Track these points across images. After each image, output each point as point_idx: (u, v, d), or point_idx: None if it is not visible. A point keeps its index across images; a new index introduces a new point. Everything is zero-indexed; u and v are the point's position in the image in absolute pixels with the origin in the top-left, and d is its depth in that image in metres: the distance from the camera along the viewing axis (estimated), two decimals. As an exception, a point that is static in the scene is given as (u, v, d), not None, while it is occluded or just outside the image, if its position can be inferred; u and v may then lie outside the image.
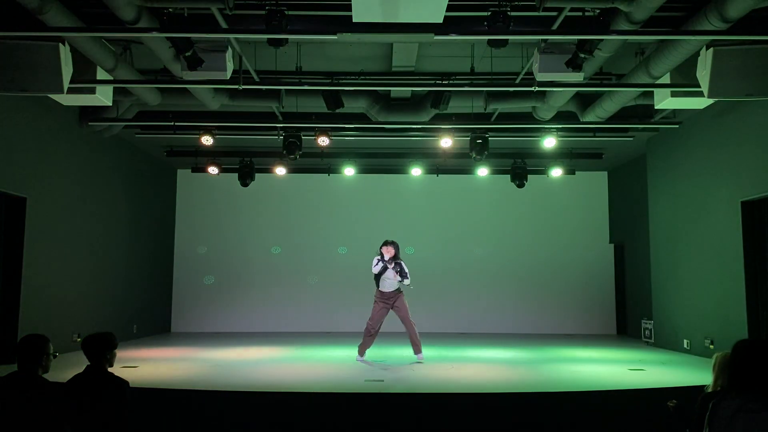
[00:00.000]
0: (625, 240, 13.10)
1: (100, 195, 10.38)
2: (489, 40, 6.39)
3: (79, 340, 9.08)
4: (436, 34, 6.16)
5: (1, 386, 3.24)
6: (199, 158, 11.93)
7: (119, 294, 11.02)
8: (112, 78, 7.44)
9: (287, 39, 6.48)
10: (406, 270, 8.37)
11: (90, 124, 9.55)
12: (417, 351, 8.35)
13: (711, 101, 7.56)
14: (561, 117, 9.51)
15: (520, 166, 11.80)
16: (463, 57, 7.86)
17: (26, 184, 8.28)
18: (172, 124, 9.73)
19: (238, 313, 13.46)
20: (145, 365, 7.83)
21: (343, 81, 8.29)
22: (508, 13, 5.76)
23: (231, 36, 6.53)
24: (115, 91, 8.14)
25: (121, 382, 3.64)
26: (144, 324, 11.97)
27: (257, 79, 7.91)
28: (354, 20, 5.85)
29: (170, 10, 5.86)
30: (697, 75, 6.72)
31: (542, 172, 12.43)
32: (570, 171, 12.77)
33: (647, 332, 10.99)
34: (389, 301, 8.34)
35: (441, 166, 12.67)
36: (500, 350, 9.94)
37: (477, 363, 8.47)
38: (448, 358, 8.76)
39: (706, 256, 9.23)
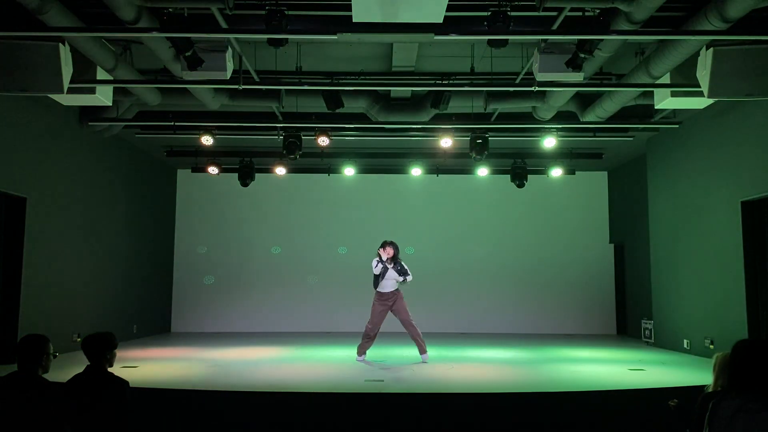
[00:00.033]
0: (625, 240, 13.10)
1: (100, 195, 10.39)
2: (489, 40, 6.39)
3: (79, 340, 9.08)
4: (436, 34, 6.17)
5: (1, 386, 3.24)
6: (199, 158, 11.93)
7: (119, 294, 11.02)
8: (112, 78, 7.44)
9: (287, 39, 6.49)
10: (407, 267, 8.39)
11: (90, 124, 9.56)
12: (422, 351, 8.34)
13: (711, 101, 7.56)
14: (561, 117, 9.51)
15: (520, 166, 11.80)
16: (463, 57, 7.86)
17: (26, 184, 8.28)
18: (172, 124, 9.74)
19: (238, 313, 13.46)
20: (145, 365, 7.83)
21: (343, 81, 8.29)
22: (508, 13, 5.76)
23: (231, 36, 6.53)
24: (115, 91, 8.14)
25: (121, 382, 3.64)
26: (144, 324, 11.98)
27: (257, 79, 7.91)
28: (354, 20, 5.85)
29: (170, 10, 5.86)
30: (697, 75, 6.72)
31: (542, 172, 12.43)
32: (570, 171, 12.77)
33: (647, 332, 10.99)
34: (388, 301, 8.32)
35: (441, 166, 12.67)
36: (500, 350, 9.94)
37: (477, 363, 8.47)
38: (448, 358, 8.76)
39: (706, 256, 9.23)
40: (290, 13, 5.93)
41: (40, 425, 3.15)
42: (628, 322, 12.94)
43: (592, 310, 13.51)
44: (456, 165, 12.56)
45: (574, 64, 6.44)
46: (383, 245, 8.40)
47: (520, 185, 11.84)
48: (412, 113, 9.13)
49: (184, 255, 13.63)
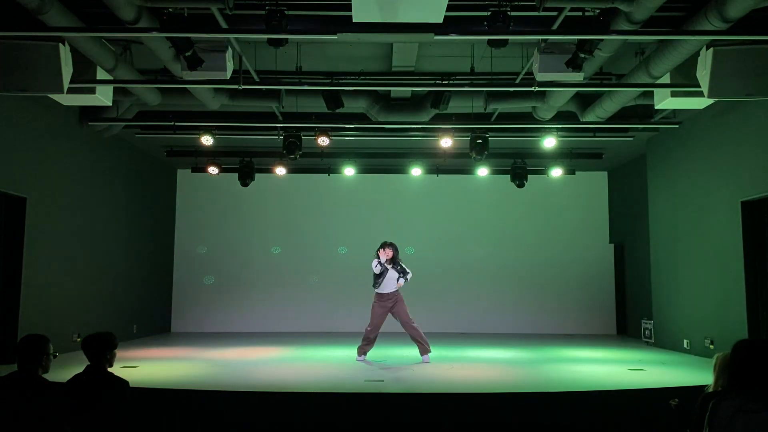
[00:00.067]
0: (625, 240, 13.10)
1: (100, 195, 10.38)
2: (489, 40, 6.39)
3: (79, 340, 9.08)
4: (436, 34, 6.16)
5: (1, 386, 3.24)
6: (199, 158, 11.93)
7: (119, 294, 11.02)
8: (112, 78, 7.44)
9: (287, 39, 6.49)
10: (406, 267, 8.40)
11: (90, 124, 9.56)
12: (423, 352, 8.32)
13: (711, 101, 7.56)
14: (561, 117, 9.51)
15: (520, 166, 11.80)
16: (463, 57, 7.86)
17: (26, 184, 8.28)
18: (172, 124, 9.73)
19: (238, 313, 13.46)
20: (145, 365, 7.83)
21: (343, 81, 8.29)
22: (508, 13, 5.76)
23: (231, 36, 6.53)
24: (115, 91, 8.14)
25: (121, 382, 3.64)
26: (144, 324, 11.97)
27: (257, 79, 7.91)
28: (354, 20, 5.85)
29: (170, 10, 5.86)
30: (697, 75, 6.72)
31: (542, 172, 12.43)
32: (570, 171, 12.77)
33: (647, 332, 10.99)
34: (388, 303, 8.32)
35: (441, 166, 12.67)
36: (500, 350, 9.94)
37: (477, 363, 8.47)
38: (448, 358, 8.76)
39: (706, 256, 9.23)
40: (290, 13, 5.93)
41: (40, 425, 3.15)
42: (628, 322, 12.94)
43: (592, 310, 13.51)
44: (456, 165, 12.55)
45: (574, 64, 6.44)
46: (382, 246, 8.40)
47: (520, 185, 11.84)
48: (412, 113, 9.13)
49: (184, 255, 13.63)
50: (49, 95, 7.48)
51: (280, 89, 8.56)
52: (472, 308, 13.44)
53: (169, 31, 6.02)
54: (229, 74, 6.67)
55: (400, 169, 12.83)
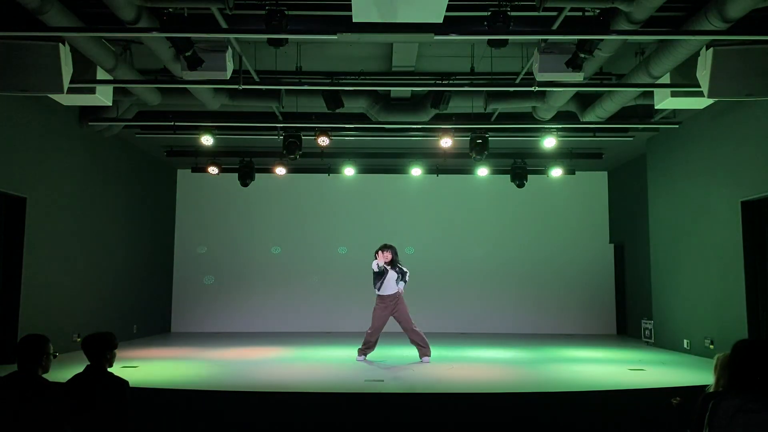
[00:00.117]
0: (625, 240, 13.10)
1: (100, 195, 10.38)
2: (489, 40, 6.40)
3: (79, 340, 9.08)
4: (436, 34, 6.16)
5: (1, 386, 3.24)
6: (199, 158, 11.94)
7: (119, 294, 11.02)
8: (112, 78, 7.44)
9: (287, 39, 6.49)
10: (405, 269, 8.40)
11: (90, 124, 9.55)
12: (422, 355, 8.32)
13: (711, 101, 7.56)
14: (561, 117, 9.51)
15: (520, 166, 11.81)
16: (463, 57, 7.86)
17: (26, 184, 8.28)
18: (172, 124, 9.74)
19: (238, 313, 13.46)
20: (145, 365, 7.83)
21: (343, 81, 8.29)
22: (508, 13, 5.76)
23: (231, 36, 6.53)
24: (115, 91, 8.14)
25: (121, 382, 3.64)
26: (144, 324, 11.97)
27: (257, 79, 7.91)
28: (354, 20, 5.85)
29: (170, 10, 5.86)
30: (697, 75, 6.72)
31: (542, 172, 12.43)
32: (570, 171, 12.77)
33: (647, 332, 10.99)
34: (389, 304, 8.32)
35: (441, 166, 12.67)
36: (500, 350, 9.94)
37: (477, 363, 8.47)
38: (448, 358, 8.75)
39: (706, 256, 9.23)
40: (290, 13, 5.93)
41: (40, 425, 3.15)
42: (628, 322, 12.94)
43: (592, 310, 13.51)
44: (456, 165, 12.55)
45: (574, 64, 6.44)
46: (381, 249, 8.39)
47: (520, 185, 11.84)
48: (412, 113, 9.13)
49: (184, 255, 13.63)
50: (49, 95, 7.48)
51: (280, 89, 8.56)
52: (472, 308, 13.43)
53: (169, 31, 6.03)
54: (229, 74, 6.67)
55: (400, 169, 12.83)
